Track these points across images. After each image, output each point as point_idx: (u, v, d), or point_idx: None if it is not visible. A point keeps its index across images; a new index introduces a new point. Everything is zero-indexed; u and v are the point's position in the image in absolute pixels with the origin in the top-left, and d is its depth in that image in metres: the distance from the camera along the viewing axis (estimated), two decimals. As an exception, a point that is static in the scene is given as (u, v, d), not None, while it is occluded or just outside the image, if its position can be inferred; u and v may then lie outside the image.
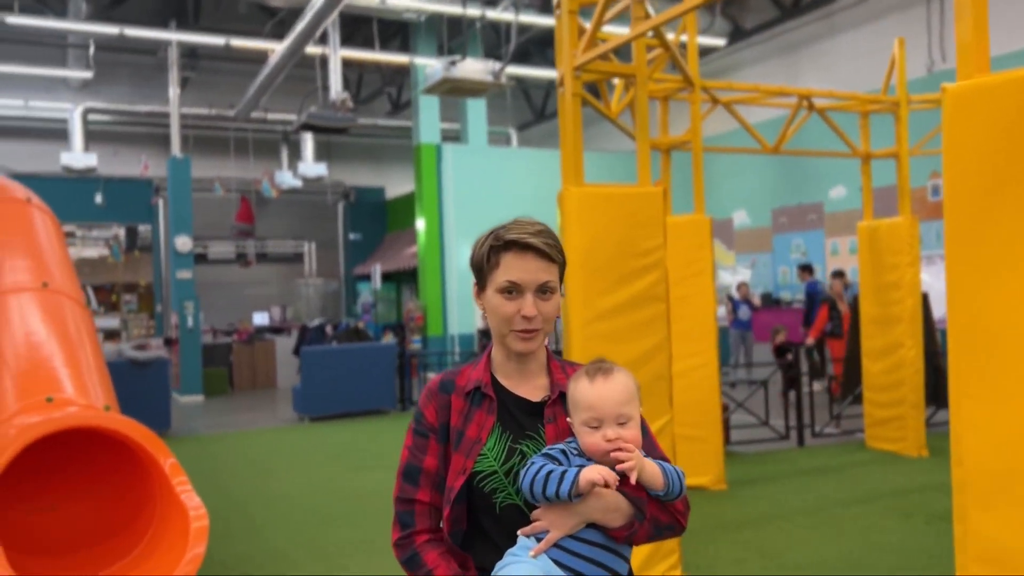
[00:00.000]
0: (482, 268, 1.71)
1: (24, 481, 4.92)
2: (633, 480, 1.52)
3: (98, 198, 17.39)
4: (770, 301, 15.18)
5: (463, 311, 15.78)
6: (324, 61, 13.18)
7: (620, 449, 1.54)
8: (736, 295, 13.45)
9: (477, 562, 1.64)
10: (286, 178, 17.78)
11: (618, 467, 1.52)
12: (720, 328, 15.13)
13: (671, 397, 4.53)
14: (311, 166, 17.14)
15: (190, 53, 17.12)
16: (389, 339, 14.62)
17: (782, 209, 15.74)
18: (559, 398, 1.70)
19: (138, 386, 9.91)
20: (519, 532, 1.57)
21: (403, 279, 19.03)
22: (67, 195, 17.05)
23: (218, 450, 9.16)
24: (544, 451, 1.62)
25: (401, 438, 1.80)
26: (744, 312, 13.00)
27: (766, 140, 7.55)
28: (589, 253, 4.32)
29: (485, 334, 14.37)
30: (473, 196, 15.82)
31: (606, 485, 1.50)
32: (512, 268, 1.65)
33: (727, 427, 7.85)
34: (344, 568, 4.99)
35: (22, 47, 16.85)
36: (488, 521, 1.65)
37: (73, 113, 15.88)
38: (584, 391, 1.60)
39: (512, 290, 1.65)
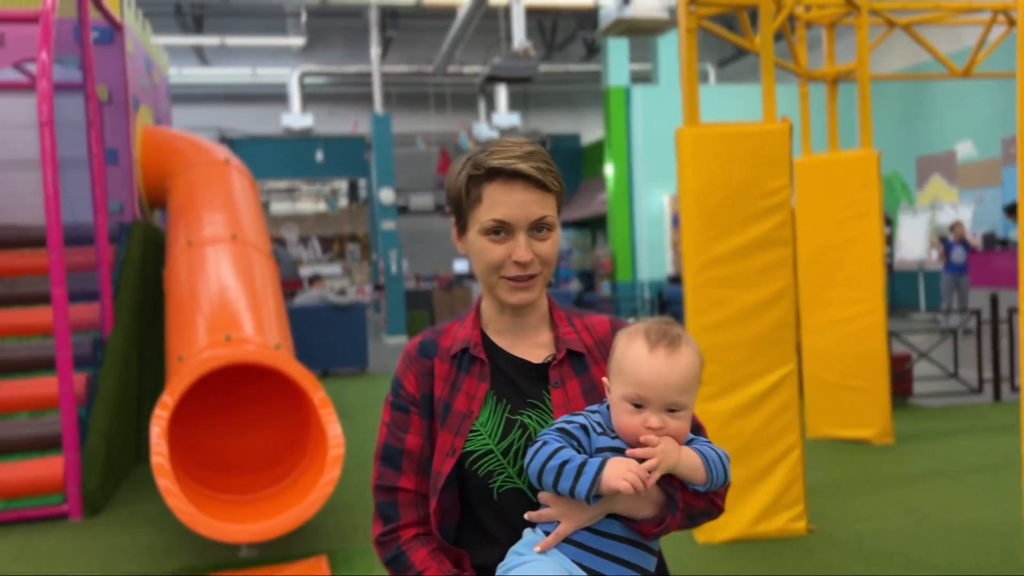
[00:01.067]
0: (460, 204, 1.37)
1: (219, 408, 5.66)
2: (651, 483, 1.21)
3: (319, 155, 18.94)
4: (993, 242, 13.64)
5: (653, 257, 15.64)
6: (507, 11, 13.39)
7: (647, 444, 1.23)
8: (950, 236, 12.28)
9: (474, 561, 1.35)
10: (483, 130, 18.34)
11: (644, 464, 1.21)
12: (932, 272, 13.97)
13: (797, 345, 4.33)
14: (504, 117, 17.57)
15: (391, 14, 18.00)
16: (575, 286, 14.84)
17: (1014, 138, 13.99)
18: (566, 357, 1.40)
19: (339, 328, 10.82)
20: (526, 516, 1.29)
21: (597, 226, 19.12)
22: (291, 154, 18.80)
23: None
24: (557, 424, 1.29)
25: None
26: (959, 254, 11.84)
27: (990, 64, 6.82)
28: (705, 195, 4.20)
29: (677, 280, 14.16)
30: (664, 139, 15.40)
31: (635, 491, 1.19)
32: (498, 203, 1.32)
33: (908, 378, 7.30)
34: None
35: (250, 20, 18.55)
36: (484, 511, 1.36)
37: (291, 77, 17.30)
38: (638, 360, 1.26)
39: (500, 230, 1.33)
